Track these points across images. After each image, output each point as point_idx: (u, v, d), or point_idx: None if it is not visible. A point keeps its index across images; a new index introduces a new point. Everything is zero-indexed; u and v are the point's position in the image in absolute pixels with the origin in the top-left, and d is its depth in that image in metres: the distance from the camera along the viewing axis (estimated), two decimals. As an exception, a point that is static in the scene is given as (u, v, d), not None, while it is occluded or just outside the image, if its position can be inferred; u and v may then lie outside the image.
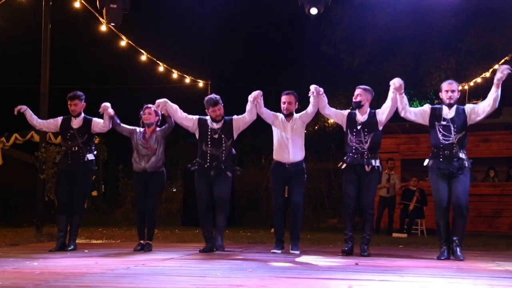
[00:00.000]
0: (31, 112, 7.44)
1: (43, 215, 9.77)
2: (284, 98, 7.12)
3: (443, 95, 6.58)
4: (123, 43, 12.49)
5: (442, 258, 6.46)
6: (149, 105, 7.31)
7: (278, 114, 7.17)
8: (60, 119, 7.44)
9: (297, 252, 6.94)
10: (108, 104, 7.20)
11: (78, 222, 7.30)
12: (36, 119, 7.52)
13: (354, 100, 6.96)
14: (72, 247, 7.15)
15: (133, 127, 7.38)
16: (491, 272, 5.33)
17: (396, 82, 6.54)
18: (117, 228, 12.80)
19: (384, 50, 18.90)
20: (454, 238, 6.49)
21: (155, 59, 14.17)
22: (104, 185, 16.22)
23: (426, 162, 6.68)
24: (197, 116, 7.20)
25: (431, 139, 6.64)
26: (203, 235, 7.25)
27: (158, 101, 7.05)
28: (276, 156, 7.18)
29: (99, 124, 7.32)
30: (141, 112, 7.33)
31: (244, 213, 15.75)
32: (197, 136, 7.18)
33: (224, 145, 7.04)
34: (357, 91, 6.95)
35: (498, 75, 6.22)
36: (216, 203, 7.13)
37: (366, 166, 6.76)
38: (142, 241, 7.32)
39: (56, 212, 7.56)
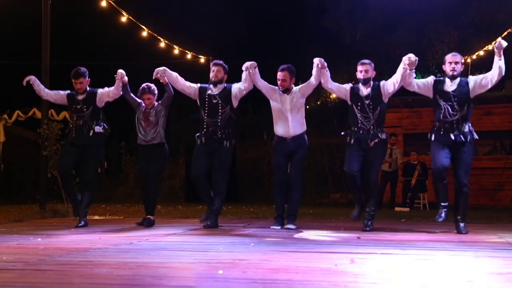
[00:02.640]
0: (38, 82, 7.40)
1: (47, 192, 9.80)
2: (278, 75, 7.00)
3: (447, 67, 6.43)
4: (124, 18, 12.41)
5: (440, 220, 6.36)
6: (145, 88, 7.22)
7: (276, 87, 7.06)
8: (65, 93, 7.29)
9: (293, 227, 6.85)
10: (123, 71, 7.10)
11: (89, 199, 7.21)
12: (44, 89, 7.44)
13: (364, 76, 6.73)
14: (82, 223, 7.04)
15: (140, 101, 7.34)
16: (493, 244, 5.35)
17: (412, 57, 6.33)
18: (120, 204, 12.85)
19: (386, 24, 18.75)
20: (457, 214, 6.43)
21: (156, 35, 14.09)
22: (107, 162, 16.21)
23: (429, 135, 6.53)
24: (199, 84, 7.18)
25: (434, 113, 6.52)
26: (205, 203, 7.26)
27: (157, 69, 7.01)
28: (277, 131, 7.11)
29: (109, 92, 7.14)
30: (139, 95, 7.28)
31: (247, 189, 15.78)
32: (198, 103, 7.13)
33: (220, 111, 6.99)
34: (366, 66, 6.74)
35: (496, 45, 6.18)
36: (213, 184, 7.04)
37: (370, 141, 6.65)
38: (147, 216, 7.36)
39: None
